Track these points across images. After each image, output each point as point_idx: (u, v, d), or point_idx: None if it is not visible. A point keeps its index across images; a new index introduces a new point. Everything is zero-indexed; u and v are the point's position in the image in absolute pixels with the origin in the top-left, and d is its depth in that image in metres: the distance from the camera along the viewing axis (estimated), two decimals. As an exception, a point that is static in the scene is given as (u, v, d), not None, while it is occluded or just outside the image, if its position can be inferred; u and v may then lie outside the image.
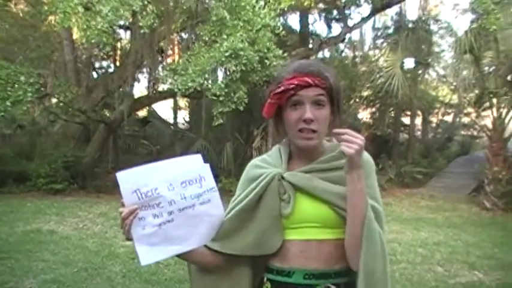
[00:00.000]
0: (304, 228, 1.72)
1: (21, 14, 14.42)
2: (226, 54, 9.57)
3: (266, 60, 10.14)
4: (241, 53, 9.59)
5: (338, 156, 1.68)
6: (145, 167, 1.67)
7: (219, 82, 10.33)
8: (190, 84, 9.87)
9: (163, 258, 1.72)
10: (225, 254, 1.78)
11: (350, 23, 16.03)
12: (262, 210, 1.75)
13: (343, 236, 1.68)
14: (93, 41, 9.89)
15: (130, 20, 10.39)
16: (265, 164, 1.84)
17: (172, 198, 1.68)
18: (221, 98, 10.06)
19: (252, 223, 1.76)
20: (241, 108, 10.34)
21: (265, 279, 1.81)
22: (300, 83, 1.69)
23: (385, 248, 1.68)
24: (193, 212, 1.71)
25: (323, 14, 17.15)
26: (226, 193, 11.34)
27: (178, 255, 1.76)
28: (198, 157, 1.77)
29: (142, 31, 10.03)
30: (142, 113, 17.68)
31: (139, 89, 19.01)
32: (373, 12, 15.48)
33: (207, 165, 1.75)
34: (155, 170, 1.68)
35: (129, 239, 1.67)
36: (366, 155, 1.73)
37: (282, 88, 1.72)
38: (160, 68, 14.53)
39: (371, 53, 18.85)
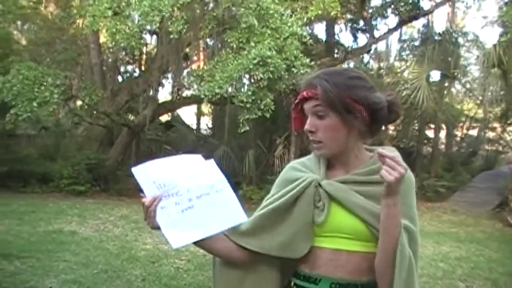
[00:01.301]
0: (335, 238, 1.70)
1: (50, 17, 14.65)
2: (254, 61, 9.59)
3: (293, 69, 10.12)
4: (269, 60, 9.62)
5: (377, 170, 1.61)
6: (158, 161, 1.74)
7: (246, 89, 10.36)
8: (217, 90, 9.89)
9: (192, 241, 1.75)
10: (251, 250, 1.77)
11: (376, 34, 15.98)
12: (295, 214, 1.73)
13: (374, 250, 1.65)
14: (122, 44, 10.01)
15: (158, 25, 10.46)
16: (304, 168, 1.83)
17: (189, 187, 1.73)
18: (248, 105, 10.08)
19: (283, 224, 1.75)
20: (268, 115, 10.34)
21: (292, 283, 1.80)
22: (300, 97, 1.73)
23: (414, 273, 1.65)
24: (210, 199, 1.76)
25: (349, 25, 17.15)
26: (247, 201, 11.35)
27: (207, 249, 1.80)
28: (199, 157, 1.82)
29: (171, 36, 10.09)
30: (165, 117, 17.75)
31: (163, 94, 19.17)
32: (400, 24, 15.45)
33: (212, 161, 1.81)
34: (167, 164, 1.75)
35: (154, 227, 1.69)
36: (408, 172, 1.66)
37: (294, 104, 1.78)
38: (184, 74, 14.61)
39: (396, 64, 18.79)
